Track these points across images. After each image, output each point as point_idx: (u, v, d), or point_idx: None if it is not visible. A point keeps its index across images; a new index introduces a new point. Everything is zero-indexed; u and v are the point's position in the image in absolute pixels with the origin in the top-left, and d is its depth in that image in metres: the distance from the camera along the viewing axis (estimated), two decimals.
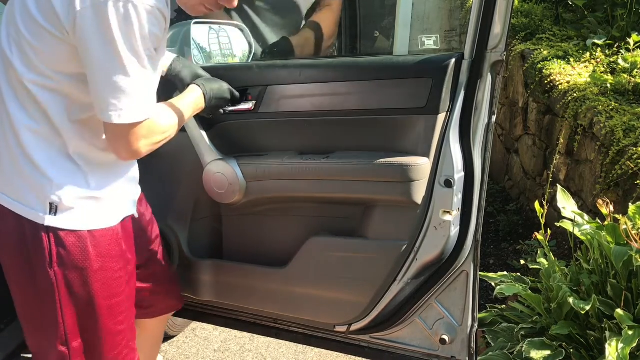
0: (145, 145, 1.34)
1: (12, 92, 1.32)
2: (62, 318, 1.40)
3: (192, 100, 1.56)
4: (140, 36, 1.22)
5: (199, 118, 1.77)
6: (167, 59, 1.66)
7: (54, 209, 1.34)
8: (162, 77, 1.66)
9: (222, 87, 1.67)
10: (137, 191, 1.57)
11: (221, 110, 1.72)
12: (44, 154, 1.33)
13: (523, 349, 1.96)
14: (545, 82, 3.26)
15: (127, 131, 1.29)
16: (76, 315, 1.41)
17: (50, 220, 1.34)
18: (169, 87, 1.73)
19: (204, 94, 1.59)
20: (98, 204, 1.40)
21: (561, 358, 1.90)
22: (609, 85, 2.94)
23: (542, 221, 2.16)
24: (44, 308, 1.40)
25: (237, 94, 1.72)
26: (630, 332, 1.79)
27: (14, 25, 1.29)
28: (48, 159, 1.33)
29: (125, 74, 1.23)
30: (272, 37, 2.30)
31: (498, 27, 1.50)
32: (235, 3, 1.50)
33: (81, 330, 1.43)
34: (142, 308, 1.65)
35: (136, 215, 1.57)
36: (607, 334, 1.85)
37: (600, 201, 2.09)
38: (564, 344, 1.97)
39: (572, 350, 1.96)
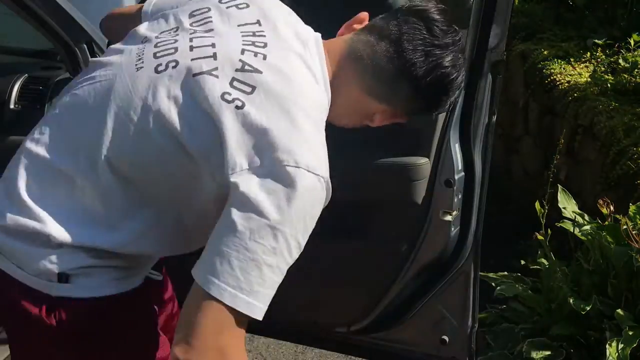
0: (215, 356, 0.95)
1: None
2: None
3: None
4: (313, 221, 1.01)
5: None
6: None
7: (64, 279, 1.06)
8: None
9: None
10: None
11: None
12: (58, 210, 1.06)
13: (523, 349, 1.95)
14: (546, 82, 3.26)
15: (226, 318, 0.94)
16: None
17: (58, 290, 1.07)
18: None
19: None
20: (113, 271, 1.12)
21: (561, 358, 1.90)
22: (609, 85, 2.94)
23: (543, 221, 2.16)
24: None
25: None
26: (630, 333, 1.79)
27: None
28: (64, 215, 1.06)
29: (271, 254, 0.96)
30: None
31: (498, 27, 1.50)
32: None
33: None
34: None
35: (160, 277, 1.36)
36: (608, 334, 1.85)
37: (600, 201, 2.09)
38: (564, 344, 1.97)
39: (572, 351, 1.96)
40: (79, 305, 1.07)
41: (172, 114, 1.01)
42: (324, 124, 1.13)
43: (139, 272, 1.20)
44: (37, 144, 1.09)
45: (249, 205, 0.95)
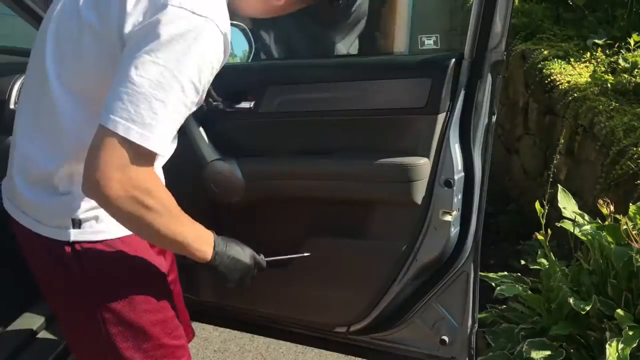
0: (125, 187, 1.04)
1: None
2: (108, 343, 1.29)
3: (197, 231, 1.22)
4: (201, 60, 1.08)
5: (199, 117, 1.77)
6: None
7: (77, 224, 1.22)
8: None
9: (244, 252, 1.34)
10: None
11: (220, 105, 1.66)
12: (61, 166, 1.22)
13: (523, 350, 1.95)
14: (546, 82, 3.26)
15: (121, 151, 1.03)
16: (124, 335, 1.29)
17: (75, 235, 1.22)
18: None
19: (215, 246, 1.25)
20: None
21: (561, 358, 1.90)
22: (609, 85, 2.94)
23: (543, 221, 2.16)
24: (86, 337, 1.32)
25: (263, 264, 1.41)
26: (630, 333, 1.79)
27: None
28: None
29: (159, 88, 1.04)
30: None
31: (498, 27, 1.49)
32: None
33: (134, 350, 1.31)
34: None
35: None
36: (608, 334, 1.85)
37: (600, 201, 2.09)
38: (564, 344, 1.97)
39: (572, 351, 1.96)
40: (95, 247, 1.22)
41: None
42: None
43: None
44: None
45: (135, 47, 1.06)
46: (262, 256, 1.41)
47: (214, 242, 1.25)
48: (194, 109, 1.13)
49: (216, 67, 1.13)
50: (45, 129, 1.23)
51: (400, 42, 2.65)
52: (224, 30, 1.12)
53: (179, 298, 1.60)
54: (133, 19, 1.09)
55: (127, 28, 1.09)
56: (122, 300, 1.27)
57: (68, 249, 1.23)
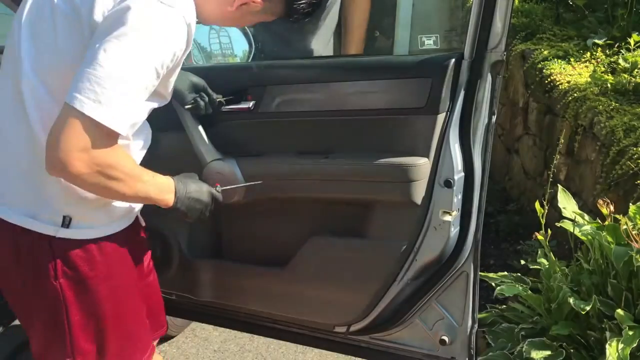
0: (85, 157, 1.10)
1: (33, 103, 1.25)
2: (68, 330, 1.35)
3: (158, 184, 1.33)
4: (161, 44, 1.15)
5: (199, 117, 1.77)
6: None
7: (67, 221, 1.30)
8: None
9: (201, 190, 1.45)
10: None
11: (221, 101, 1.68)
12: None
13: (523, 349, 1.95)
14: (546, 82, 3.26)
15: (85, 130, 1.08)
16: (83, 325, 1.37)
17: (62, 233, 1.30)
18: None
19: (176, 192, 1.38)
20: (105, 212, 1.36)
21: (561, 358, 1.90)
22: (609, 85, 2.94)
23: (543, 221, 2.16)
24: (49, 321, 1.36)
25: (220, 197, 1.51)
26: (630, 333, 1.79)
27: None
28: None
29: (120, 69, 1.11)
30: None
31: (498, 27, 1.50)
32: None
33: (89, 341, 1.39)
34: None
35: (142, 224, 1.54)
36: (608, 334, 1.85)
37: (600, 201, 2.09)
38: (564, 344, 1.97)
39: (572, 351, 1.96)
40: (77, 245, 1.31)
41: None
42: None
43: (127, 214, 1.42)
44: None
45: (103, 31, 1.12)
46: (218, 187, 1.53)
47: (175, 188, 1.38)
48: (152, 90, 1.19)
49: (178, 55, 1.20)
50: (18, 116, 1.27)
51: (400, 42, 2.65)
52: (188, 21, 1.19)
53: (154, 289, 1.64)
54: (102, 6, 1.16)
55: (97, 16, 1.16)
56: (86, 289, 1.35)
57: (46, 239, 1.30)
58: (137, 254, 1.53)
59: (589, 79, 3.07)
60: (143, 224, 1.60)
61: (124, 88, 1.10)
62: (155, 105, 1.29)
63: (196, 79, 1.68)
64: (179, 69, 1.29)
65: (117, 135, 1.14)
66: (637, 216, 2.02)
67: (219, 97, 1.71)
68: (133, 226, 1.49)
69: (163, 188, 1.34)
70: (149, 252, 1.63)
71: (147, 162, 1.60)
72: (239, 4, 1.34)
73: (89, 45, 1.14)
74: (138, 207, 1.48)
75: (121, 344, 1.44)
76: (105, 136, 1.12)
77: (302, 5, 1.42)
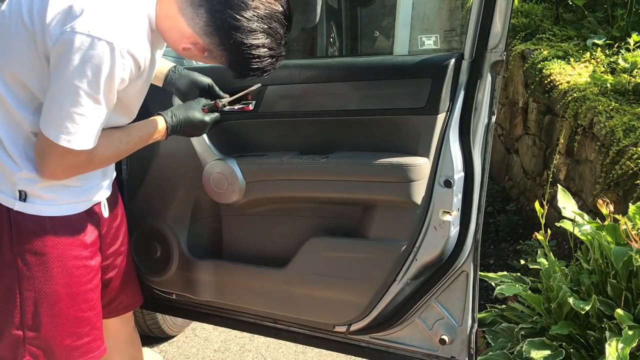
0: (70, 172, 1.39)
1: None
2: (20, 302, 1.43)
3: (146, 132, 1.50)
4: (105, 77, 1.27)
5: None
6: (164, 68, 1.66)
7: (23, 196, 1.40)
8: (158, 87, 1.66)
9: (193, 116, 1.59)
10: (106, 181, 1.57)
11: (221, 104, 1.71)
12: (14, 144, 1.39)
13: (523, 349, 1.96)
14: (545, 82, 3.26)
15: (64, 155, 1.32)
16: (35, 300, 1.44)
17: (19, 206, 1.40)
18: (165, 96, 1.73)
19: (167, 124, 1.53)
20: (65, 191, 1.44)
21: (561, 358, 1.90)
22: (609, 85, 2.94)
23: (542, 221, 2.16)
24: (4, 291, 1.44)
25: (207, 120, 1.62)
26: (630, 332, 1.79)
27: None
28: (19, 148, 1.39)
29: (78, 105, 1.28)
30: None
31: (498, 27, 1.50)
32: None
33: (39, 316, 1.45)
34: (103, 306, 1.63)
35: (105, 205, 1.58)
36: (607, 334, 1.85)
37: (600, 201, 2.09)
38: (564, 344, 1.97)
39: (572, 350, 1.96)
40: (32, 220, 1.41)
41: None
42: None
43: (88, 197, 1.51)
44: None
45: (55, 71, 1.29)
46: (216, 101, 1.65)
47: (165, 122, 1.53)
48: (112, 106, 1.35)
49: (127, 78, 1.33)
50: None
51: (400, 42, 2.65)
52: (132, 52, 1.29)
53: (122, 262, 1.70)
54: (51, 33, 1.28)
55: (48, 41, 1.29)
56: (40, 265, 1.43)
57: (6, 210, 1.41)
58: (107, 237, 1.61)
59: (588, 79, 3.07)
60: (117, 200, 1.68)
61: (80, 119, 1.29)
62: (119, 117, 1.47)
63: (203, 78, 1.69)
64: (138, 80, 1.40)
65: (88, 149, 1.34)
66: (637, 216, 2.02)
67: (225, 96, 1.71)
68: (98, 206, 1.56)
69: (151, 131, 1.51)
70: (122, 236, 1.68)
71: (148, 162, 1.61)
72: (183, 48, 1.42)
73: (51, 79, 1.30)
74: (98, 193, 1.55)
75: (71, 324, 1.49)
76: (79, 153, 1.33)
77: (246, 70, 1.46)
